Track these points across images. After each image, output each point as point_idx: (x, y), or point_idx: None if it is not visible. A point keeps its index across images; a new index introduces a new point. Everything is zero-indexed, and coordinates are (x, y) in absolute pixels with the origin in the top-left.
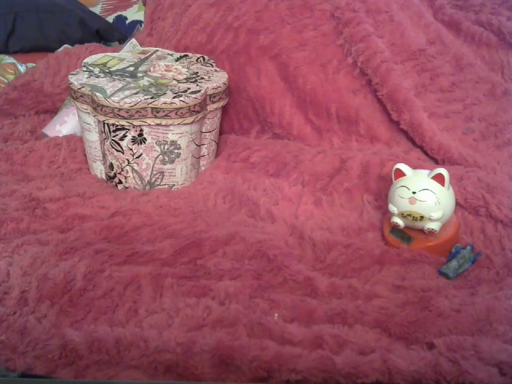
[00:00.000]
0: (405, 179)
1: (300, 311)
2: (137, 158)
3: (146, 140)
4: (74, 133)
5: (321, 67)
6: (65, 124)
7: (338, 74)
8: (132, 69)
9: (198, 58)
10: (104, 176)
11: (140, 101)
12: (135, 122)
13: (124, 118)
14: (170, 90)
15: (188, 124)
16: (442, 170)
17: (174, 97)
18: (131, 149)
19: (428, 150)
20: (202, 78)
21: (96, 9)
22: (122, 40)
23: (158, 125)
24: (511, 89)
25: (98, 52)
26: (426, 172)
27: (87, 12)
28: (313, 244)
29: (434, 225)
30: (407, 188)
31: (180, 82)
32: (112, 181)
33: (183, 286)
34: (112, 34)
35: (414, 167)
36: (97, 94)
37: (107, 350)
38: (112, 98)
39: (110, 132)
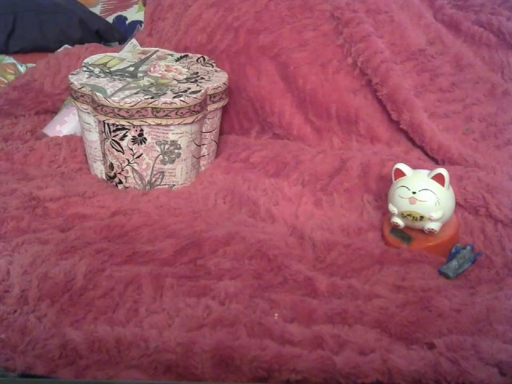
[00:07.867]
0: (405, 179)
1: (300, 311)
2: (137, 158)
3: (146, 139)
4: (74, 133)
5: (321, 67)
6: (65, 124)
7: (338, 75)
8: (132, 69)
9: (198, 58)
10: (104, 176)
11: (140, 101)
12: (135, 122)
13: (124, 118)
14: (171, 90)
15: (188, 123)
16: (442, 170)
17: (174, 97)
18: (131, 149)
19: (428, 150)
20: (202, 78)
21: (96, 10)
22: (122, 40)
23: (158, 124)
24: (511, 89)
25: (98, 52)
26: (426, 172)
27: (87, 12)
28: (313, 244)
29: (434, 225)
30: (407, 188)
31: (180, 82)
32: (112, 181)
33: (183, 286)
34: (112, 34)
35: (414, 167)
36: (98, 94)
37: (107, 350)
38: (113, 98)
39: (110, 131)
